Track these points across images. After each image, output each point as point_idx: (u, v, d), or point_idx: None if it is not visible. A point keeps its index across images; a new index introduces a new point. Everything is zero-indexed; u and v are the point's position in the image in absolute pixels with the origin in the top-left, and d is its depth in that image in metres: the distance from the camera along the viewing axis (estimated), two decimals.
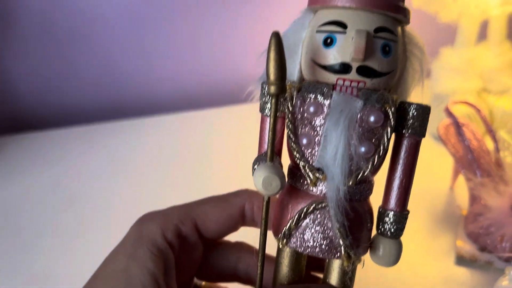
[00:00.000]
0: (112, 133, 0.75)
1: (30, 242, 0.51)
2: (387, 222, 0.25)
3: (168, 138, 0.73)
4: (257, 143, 0.26)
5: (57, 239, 0.51)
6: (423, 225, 0.51)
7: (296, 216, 0.25)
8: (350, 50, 0.22)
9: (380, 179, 0.26)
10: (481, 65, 0.65)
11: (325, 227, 0.24)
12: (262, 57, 0.23)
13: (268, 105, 0.25)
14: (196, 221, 0.30)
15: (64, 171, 0.65)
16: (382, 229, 0.25)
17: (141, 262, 0.25)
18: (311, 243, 0.24)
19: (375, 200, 0.26)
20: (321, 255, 0.24)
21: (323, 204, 0.24)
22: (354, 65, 0.22)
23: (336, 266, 0.27)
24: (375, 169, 0.24)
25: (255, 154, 0.26)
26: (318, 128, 0.23)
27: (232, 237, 0.32)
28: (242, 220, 0.31)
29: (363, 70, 0.22)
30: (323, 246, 0.24)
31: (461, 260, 0.46)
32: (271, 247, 0.27)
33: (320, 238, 0.24)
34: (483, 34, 0.67)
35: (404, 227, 0.26)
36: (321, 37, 0.23)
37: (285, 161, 0.26)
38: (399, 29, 0.24)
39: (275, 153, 0.25)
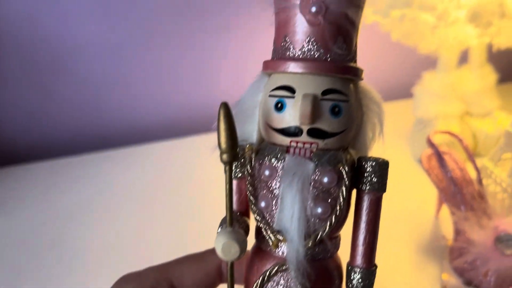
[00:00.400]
0: (96, 164, 0.75)
1: (10, 281, 0.50)
2: (354, 279, 0.25)
3: (153, 167, 0.73)
4: None
5: (41, 276, 0.50)
6: (408, 256, 0.50)
7: (260, 279, 0.25)
8: (298, 114, 0.22)
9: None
10: (463, 88, 0.66)
11: None
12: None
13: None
14: (173, 282, 0.29)
15: (47, 206, 0.64)
16: (350, 285, 0.25)
17: None
18: None
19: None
20: None
21: (286, 266, 0.24)
22: (305, 128, 0.23)
23: None
24: (336, 228, 0.24)
25: None
26: (275, 191, 0.23)
27: None
28: (219, 278, 0.31)
29: (313, 132, 0.23)
30: None
31: None
32: None
33: None
34: (464, 57, 0.67)
35: (372, 283, 0.26)
36: (272, 101, 0.24)
37: None
38: (351, 86, 0.24)
39: (242, 213, 0.26)
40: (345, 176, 0.23)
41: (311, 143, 0.23)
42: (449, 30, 0.53)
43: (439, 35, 0.53)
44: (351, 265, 0.25)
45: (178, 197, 0.64)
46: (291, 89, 0.23)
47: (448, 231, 0.51)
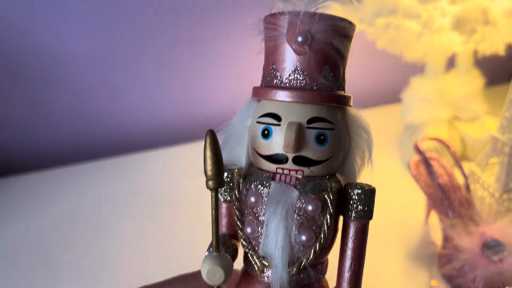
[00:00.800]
0: (86, 174, 0.74)
1: None
2: None
3: (144, 176, 0.73)
4: None
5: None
6: (397, 262, 0.51)
7: None
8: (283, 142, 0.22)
9: None
10: (451, 93, 0.66)
11: None
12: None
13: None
14: None
15: (38, 217, 0.64)
16: None
17: None
18: None
19: None
20: None
21: None
22: (290, 156, 0.23)
23: None
24: (321, 255, 0.24)
25: None
26: (260, 217, 0.24)
27: None
28: None
29: (298, 160, 0.23)
30: None
31: None
32: None
33: None
34: (452, 62, 0.68)
35: None
36: (260, 128, 0.24)
37: None
38: (339, 114, 0.24)
39: (232, 236, 0.26)
40: (329, 204, 0.23)
41: (297, 171, 0.23)
42: (434, 38, 0.54)
43: (424, 43, 0.53)
44: None
45: (170, 206, 0.64)
46: (277, 117, 0.23)
47: (437, 237, 0.52)
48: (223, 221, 0.27)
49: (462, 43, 0.54)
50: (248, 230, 0.24)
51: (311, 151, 0.23)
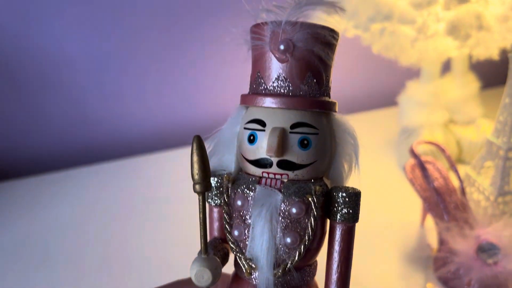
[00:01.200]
0: (82, 179, 0.75)
1: None
2: None
3: (141, 180, 0.74)
4: None
5: None
6: (393, 265, 0.51)
7: None
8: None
9: None
10: (447, 97, 0.67)
11: None
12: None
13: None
14: None
15: (34, 222, 0.64)
16: None
17: None
18: None
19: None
20: None
21: None
22: (274, 160, 0.24)
23: None
24: (307, 257, 0.24)
25: None
26: (247, 220, 0.24)
27: None
28: None
29: (283, 164, 0.24)
30: None
31: None
32: None
33: None
34: (447, 65, 0.68)
35: None
36: (246, 133, 0.25)
37: None
38: (323, 119, 0.24)
39: (223, 239, 0.27)
40: (313, 207, 0.23)
41: (282, 174, 0.24)
42: (428, 43, 0.54)
43: (419, 48, 0.54)
44: None
45: (165, 210, 0.65)
46: (262, 123, 0.24)
47: (433, 240, 0.52)
48: (215, 225, 0.28)
49: (457, 48, 0.54)
50: (236, 233, 0.24)
51: (295, 155, 0.23)
